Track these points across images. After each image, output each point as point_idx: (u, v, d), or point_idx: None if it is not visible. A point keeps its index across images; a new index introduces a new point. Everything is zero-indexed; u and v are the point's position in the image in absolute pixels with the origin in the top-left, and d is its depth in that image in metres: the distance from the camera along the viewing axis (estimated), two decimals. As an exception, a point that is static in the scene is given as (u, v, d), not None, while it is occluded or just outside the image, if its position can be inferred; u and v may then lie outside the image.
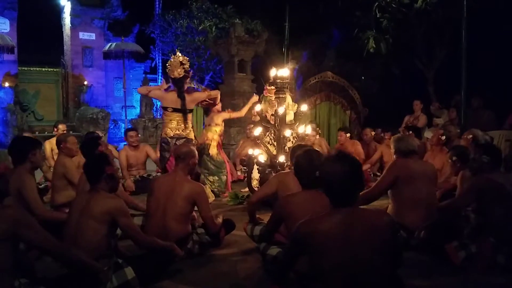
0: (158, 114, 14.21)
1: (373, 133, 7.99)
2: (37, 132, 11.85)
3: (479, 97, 8.81)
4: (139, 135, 7.37)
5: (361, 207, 2.29)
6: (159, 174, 6.40)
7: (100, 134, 6.37)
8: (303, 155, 3.21)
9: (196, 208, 3.86)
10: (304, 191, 3.10)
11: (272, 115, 5.80)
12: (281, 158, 5.34)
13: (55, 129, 7.22)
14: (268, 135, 5.75)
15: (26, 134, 7.53)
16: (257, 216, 4.00)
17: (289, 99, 5.85)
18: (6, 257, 2.48)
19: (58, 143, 4.91)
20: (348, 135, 7.68)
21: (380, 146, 7.58)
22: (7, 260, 2.48)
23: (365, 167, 7.03)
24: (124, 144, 7.04)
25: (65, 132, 7.08)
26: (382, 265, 2.16)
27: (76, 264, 2.76)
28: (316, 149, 5.67)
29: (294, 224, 2.79)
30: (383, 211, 3.35)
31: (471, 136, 5.33)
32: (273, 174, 4.89)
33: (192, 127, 5.66)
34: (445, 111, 9.12)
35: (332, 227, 2.15)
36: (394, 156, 4.24)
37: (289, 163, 4.65)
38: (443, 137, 5.86)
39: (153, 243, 3.28)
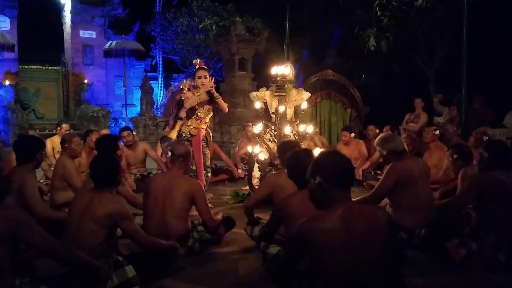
0: (159, 112, 14.22)
1: (377, 130, 7.96)
2: (37, 130, 11.84)
3: (480, 95, 8.81)
4: (137, 134, 7.35)
5: (357, 204, 2.28)
6: (159, 172, 6.39)
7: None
8: (292, 156, 3.22)
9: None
10: (300, 190, 3.09)
11: (272, 112, 5.80)
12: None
13: (59, 128, 7.21)
14: (268, 132, 5.75)
15: (31, 133, 7.52)
16: (256, 215, 4.00)
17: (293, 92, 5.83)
18: (6, 257, 2.48)
19: (62, 143, 4.88)
20: (353, 135, 7.65)
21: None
22: (7, 259, 2.48)
23: (366, 165, 7.03)
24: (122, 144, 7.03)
25: (68, 131, 7.05)
26: (383, 260, 2.17)
27: (76, 263, 2.75)
28: (311, 146, 5.72)
29: (294, 225, 2.79)
30: (379, 207, 3.32)
31: (487, 138, 5.21)
32: (273, 172, 4.89)
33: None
34: (446, 109, 9.12)
35: (334, 224, 2.15)
36: (384, 158, 4.05)
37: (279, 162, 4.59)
38: (437, 132, 5.85)
39: (156, 244, 3.28)
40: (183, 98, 5.47)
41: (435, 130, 5.89)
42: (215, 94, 5.54)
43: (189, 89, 5.58)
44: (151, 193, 3.79)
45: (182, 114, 5.63)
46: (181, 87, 5.71)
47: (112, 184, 3.14)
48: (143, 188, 3.98)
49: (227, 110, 5.84)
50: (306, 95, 5.94)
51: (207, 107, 5.55)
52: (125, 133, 6.89)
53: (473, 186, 3.70)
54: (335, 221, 2.15)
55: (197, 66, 5.64)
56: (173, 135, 5.82)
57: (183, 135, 5.50)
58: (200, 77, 5.48)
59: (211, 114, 5.73)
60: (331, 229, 2.14)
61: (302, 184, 3.09)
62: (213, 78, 5.62)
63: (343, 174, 2.22)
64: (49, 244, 2.60)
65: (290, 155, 3.28)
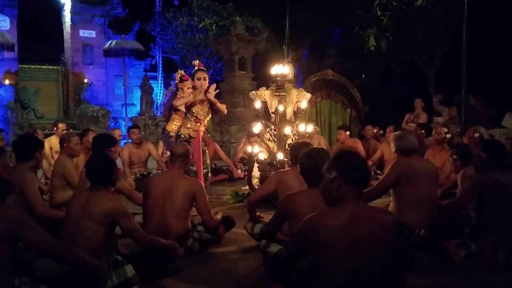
0: (159, 112, 14.22)
1: (375, 130, 7.97)
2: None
3: (480, 95, 8.80)
4: (142, 133, 7.35)
5: (366, 205, 2.31)
6: (159, 171, 6.39)
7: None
8: (306, 154, 3.21)
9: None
10: (309, 189, 3.09)
11: (272, 112, 5.79)
12: (280, 156, 5.34)
13: (55, 128, 7.22)
14: (268, 132, 5.76)
15: (39, 132, 7.53)
16: (257, 213, 4.01)
17: (293, 92, 5.83)
18: (6, 256, 2.48)
19: (61, 142, 4.89)
20: (348, 133, 7.64)
21: (380, 144, 7.57)
22: (7, 259, 2.48)
23: (366, 165, 7.02)
24: (126, 142, 7.04)
25: (65, 131, 7.05)
26: (385, 263, 2.17)
27: (76, 263, 2.75)
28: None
29: (298, 222, 2.80)
30: (387, 210, 3.36)
31: (477, 134, 5.29)
32: (273, 172, 4.89)
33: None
34: (446, 109, 9.12)
35: (339, 222, 2.16)
36: (395, 155, 4.18)
37: (288, 161, 4.63)
38: (448, 135, 5.86)
39: (155, 242, 3.28)
40: (178, 97, 5.44)
41: (447, 132, 5.88)
42: (213, 100, 5.41)
43: (182, 79, 5.53)
44: (151, 193, 3.78)
45: (175, 105, 5.55)
46: (176, 75, 5.61)
47: (108, 183, 3.15)
48: (142, 187, 3.98)
49: (226, 112, 5.78)
50: (307, 95, 5.95)
51: (206, 109, 5.45)
52: (135, 130, 6.93)
53: (472, 187, 3.70)
54: (341, 219, 2.17)
55: (196, 68, 5.51)
56: (170, 127, 5.77)
57: (182, 136, 5.37)
58: (199, 79, 5.37)
59: (210, 116, 5.63)
60: (336, 226, 2.16)
61: (312, 183, 3.09)
62: (215, 85, 5.49)
63: (359, 174, 2.26)
64: (49, 244, 2.60)
65: (306, 151, 3.27)
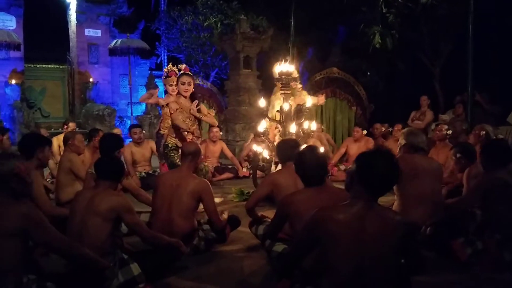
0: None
1: (383, 128, 7.98)
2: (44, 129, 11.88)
3: (485, 92, 8.75)
4: (144, 132, 7.37)
5: (378, 204, 2.29)
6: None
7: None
8: (303, 153, 3.18)
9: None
10: (307, 188, 3.07)
11: (277, 111, 5.79)
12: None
13: (65, 127, 7.31)
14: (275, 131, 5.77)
15: (42, 131, 7.55)
16: (260, 213, 4.00)
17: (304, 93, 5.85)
18: (15, 252, 2.50)
19: (65, 140, 4.94)
20: (365, 132, 7.74)
21: (387, 142, 7.57)
22: (16, 255, 2.51)
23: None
24: (129, 141, 7.07)
25: (74, 130, 7.11)
26: (390, 262, 2.17)
27: (83, 261, 2.78)
28: (318, 144, 5.72)
29: (299, 222, 2.79)
30: (397, 211, 3.34)
31: (484, 132, 5.25)
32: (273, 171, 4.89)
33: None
34: (450, 111, 9.11)
35: (346, 217, 2.17)
36: (401, 150, 4.11)
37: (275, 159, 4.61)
38: (449, 132, 5.83)
39: (158, 238, 3.29)
40: (170, 110, 5.31)
41: (448, 129, 5.87)
42: (198, 115, 5.31)
43: (168, 75, 5.44)
44: (158, 190, 3.81)
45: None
46: (165, 70, 5.52)
47: (114, 181, 3.18)
48: (153, 184, 4.00)
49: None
50: (309, 100, 5.93)
51: (193, 117, 5.31)
52: (137, 130, 6.98)
53: (478, 187, 3.68)
54: (349, 214, 2.18)
55: (182, 72, 5.34)
56: (164, 125, 5.75)
57: (170, 146, 5.29)
58: (183, 83, 5.23)
59: (197, 123, 5.45)
60: (343, 220, 2.17)
61: (308, 182, 3.08)
62: (196, 102, 5.34)
63: (374, 180, 2.20)
64: (59, 242, 2.63)
65: (302, 150, 3.25)
